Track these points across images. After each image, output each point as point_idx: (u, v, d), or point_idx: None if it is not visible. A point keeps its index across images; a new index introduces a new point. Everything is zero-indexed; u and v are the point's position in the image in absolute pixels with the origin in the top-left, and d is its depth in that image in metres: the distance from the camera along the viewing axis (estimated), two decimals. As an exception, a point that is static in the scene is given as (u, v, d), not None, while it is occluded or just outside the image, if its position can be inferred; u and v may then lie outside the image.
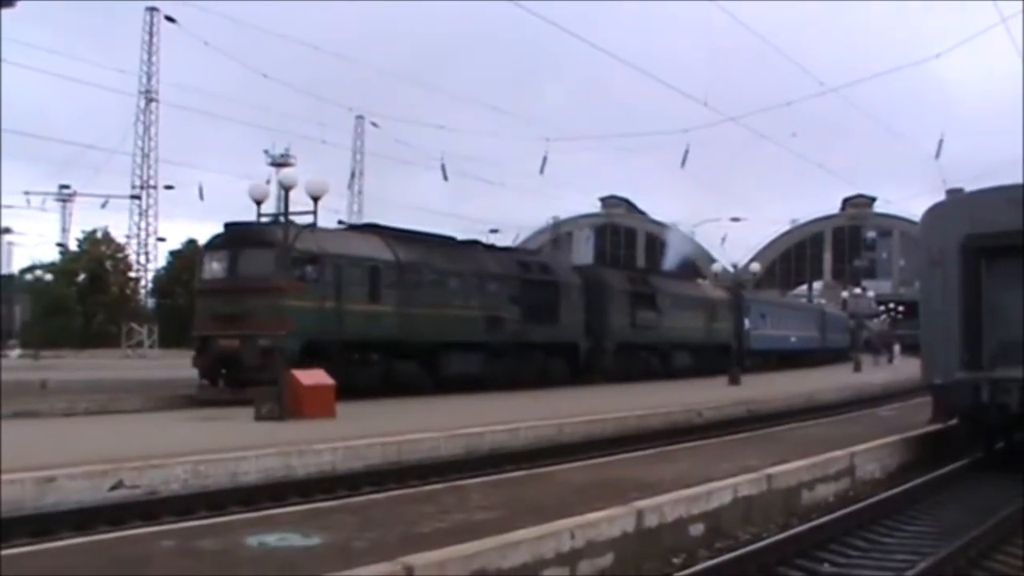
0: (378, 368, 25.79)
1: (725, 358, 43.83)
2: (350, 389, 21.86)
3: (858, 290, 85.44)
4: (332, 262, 24.68)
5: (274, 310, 23.04)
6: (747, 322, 40.06)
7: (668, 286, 43.72)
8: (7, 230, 73.05)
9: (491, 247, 34.50)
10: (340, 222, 31.26)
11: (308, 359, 22.42)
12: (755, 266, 54.11)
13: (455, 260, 29.65)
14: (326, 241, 24.98)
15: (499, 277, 31.02)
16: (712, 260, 61.97)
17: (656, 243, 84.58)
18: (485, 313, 29.77)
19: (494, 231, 59.32)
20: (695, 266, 67.27)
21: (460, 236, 34.87)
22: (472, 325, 29.13)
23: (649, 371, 38.62)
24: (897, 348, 66.27)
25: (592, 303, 35.51)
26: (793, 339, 56.23)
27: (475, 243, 33.79)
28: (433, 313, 27.40)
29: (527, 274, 32.65)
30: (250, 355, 22.86)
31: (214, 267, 25.15)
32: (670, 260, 63.60)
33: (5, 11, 19.25)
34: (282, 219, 21.80)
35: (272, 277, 23.08)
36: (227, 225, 25.75)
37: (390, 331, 25.89)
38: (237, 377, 23.34)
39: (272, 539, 7.77)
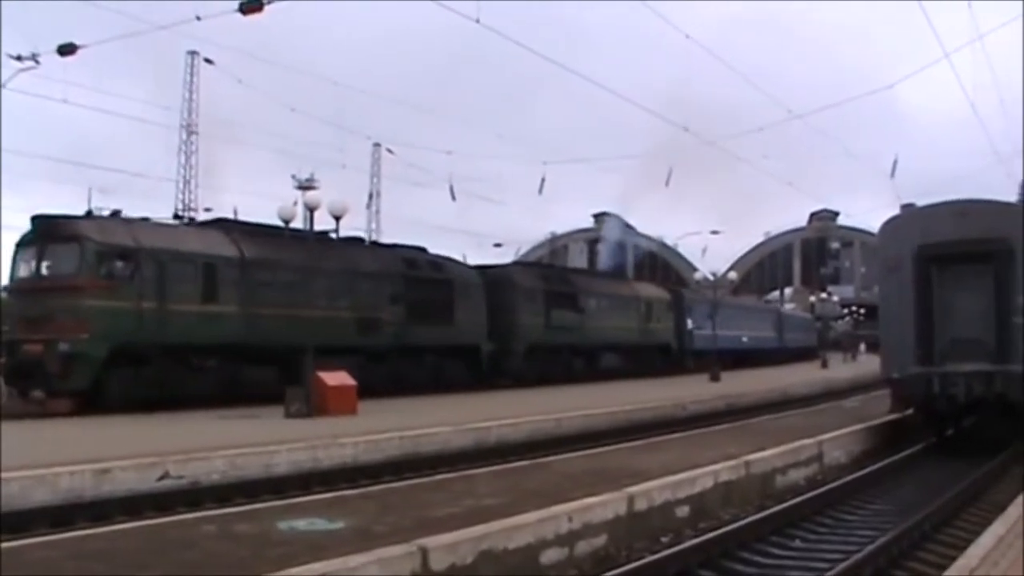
0: (216, 374, 21.38)
1: (663, 359, 39.62)
2: (180, 397, 19.67)
3: (824, 295, 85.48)
4: (152, 258, 20.33)
5: (74, 311, 19.27)
6: (689, 322, 37.78)
7: (592, 285, 38.15)
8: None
9: (374, 244, 29.40)
10: (176, 216, 25.22)
11: (123, 365, 19.63)
12: (733, 274, 53.68)
13: (319, 257, 23.58)
14: (147, 235, 20.86)
15: (376, 275, 26.07)
16: (694, 269, 61.46)
17: (643, 253, 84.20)
18: (357, 314, 25.00)
19: (498, 245, 58.95)
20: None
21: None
22: (340, 327, 24.22)
23: (570, 374, 33.26)
24: (863, 346, 66.05)
25: (497, 303, 30.44)
26: (745, 339, 50.18)
27: (356, 240, 28.70)
28: (289, 314, 22.54)
29: (413, 272, 27.44)
30: (51, 361, 19.02)
31: (21, 265, 20.75)
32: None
33: (68, 59, 19.27)
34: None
35: (73, 275, 19.58)
36: (34, 218, 20.92)
37: (232, 334, 21.41)
38: (45, 386, 19.30)
39: (301, 524, 7.80)
